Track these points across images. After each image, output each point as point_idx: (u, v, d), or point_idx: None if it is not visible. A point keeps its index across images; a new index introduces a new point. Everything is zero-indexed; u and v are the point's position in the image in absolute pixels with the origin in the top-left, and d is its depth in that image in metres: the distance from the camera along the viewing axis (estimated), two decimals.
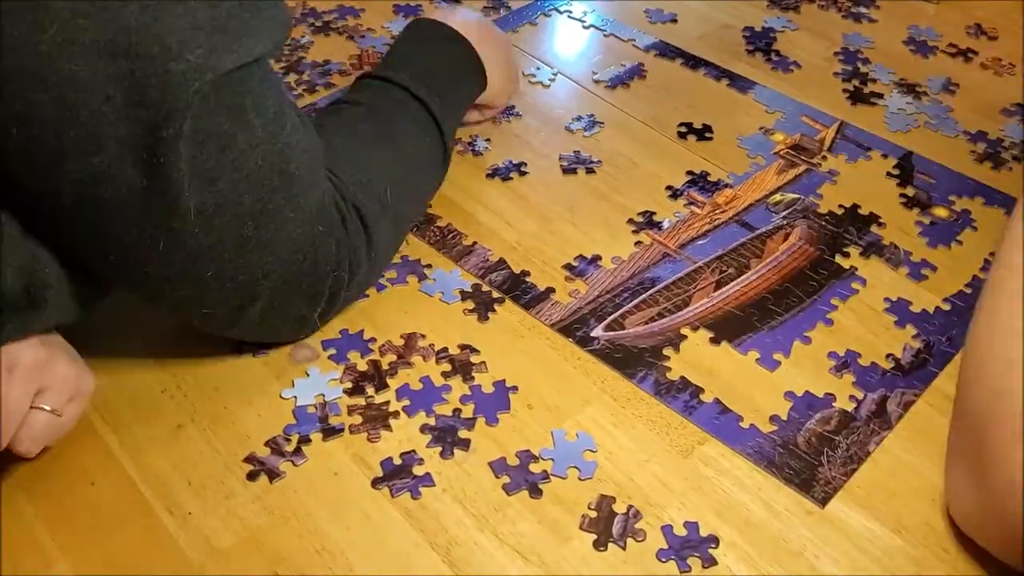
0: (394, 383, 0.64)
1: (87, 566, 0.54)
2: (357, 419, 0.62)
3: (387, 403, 0.63)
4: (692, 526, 0.57)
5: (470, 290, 0.71)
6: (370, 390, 0.64)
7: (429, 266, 0.73)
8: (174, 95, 0.47)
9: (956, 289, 0.73)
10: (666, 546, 0.56)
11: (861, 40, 1.02)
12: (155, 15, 0.46)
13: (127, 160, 0.48)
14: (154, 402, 0.63)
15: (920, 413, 0.64)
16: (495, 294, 0.71)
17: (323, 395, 0.63)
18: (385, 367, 0.65)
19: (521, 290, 0.72)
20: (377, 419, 0.62)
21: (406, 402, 0.63)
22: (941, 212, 0.80)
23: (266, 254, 0.56)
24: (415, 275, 0.72)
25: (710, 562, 0.55)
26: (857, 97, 0.94)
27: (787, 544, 0.56)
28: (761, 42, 1.02)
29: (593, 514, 0.57)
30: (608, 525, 0.57)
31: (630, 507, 0.58)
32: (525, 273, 0.73)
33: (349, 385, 0.64)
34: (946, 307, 0.71)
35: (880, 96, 0.94)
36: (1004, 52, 1.01)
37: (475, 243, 0.75)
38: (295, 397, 0.63)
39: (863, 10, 1.07)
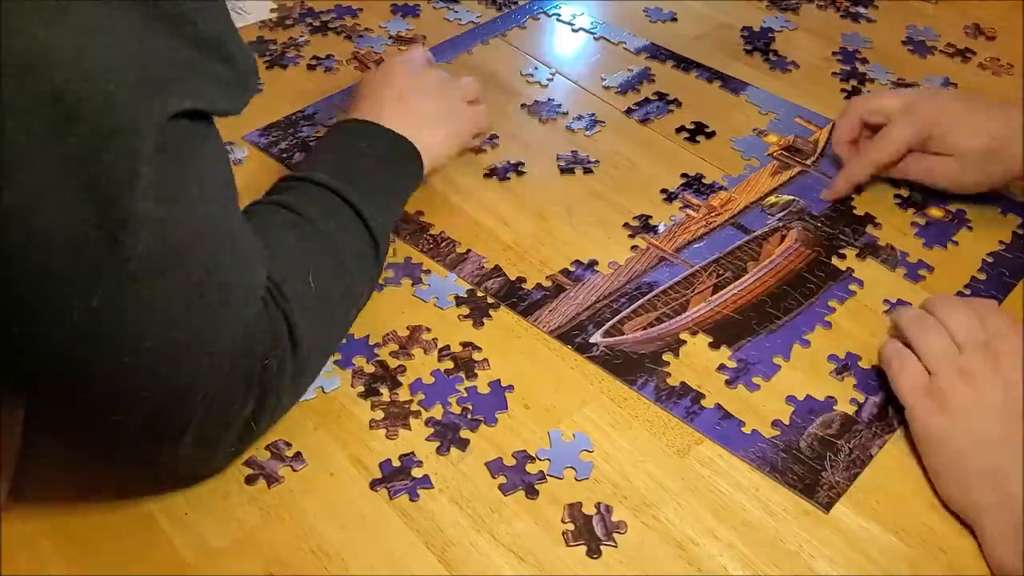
0: (405, 381, 0.65)
1: (82, 566, 0.54)
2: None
3: (408, 402, 0.63)
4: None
5: (465, 295, 0.71)
6: (383, 391, 0.64)
7: (427, 272, 0.73)
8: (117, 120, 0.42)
9: (954, 291, 0.73)
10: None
11: (859, 40, 1.02)
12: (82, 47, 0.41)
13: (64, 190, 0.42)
14: None
15: None
16: (490, 300, 0.71)
17: None
18: (393, 367, 0.65)
19: (518, 297, 0.71)
20: (397, 416, 0.62)
21: (421, 396, 0.63)
22: (936, 213, 0.80)
23: (208, 340, 0.49)
24: (410, 278, 0.72)
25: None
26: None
27: (784, 544, 0.56)
28: (759, 42, 1.02)
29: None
30: (604, 525, 0.57)
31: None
32: (521, 280, 0.73)
33: (362, 388, 0.64)
34: None
35: None
36: (1002, 52, 1.01)
37: (469, 250, 0.75)
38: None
39: (861, 10, 1.07)
